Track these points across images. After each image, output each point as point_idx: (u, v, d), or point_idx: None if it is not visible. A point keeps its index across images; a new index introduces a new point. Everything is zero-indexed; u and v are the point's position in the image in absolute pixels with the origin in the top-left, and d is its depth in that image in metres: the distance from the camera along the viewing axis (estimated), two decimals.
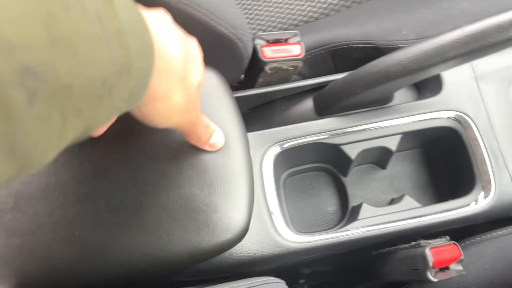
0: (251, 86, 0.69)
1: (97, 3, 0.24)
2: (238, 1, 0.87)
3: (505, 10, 0.46)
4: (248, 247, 0.56)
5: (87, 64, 0.22)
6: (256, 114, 0.70)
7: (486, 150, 0.63)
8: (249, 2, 0.87)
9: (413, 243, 0.59)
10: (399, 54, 0.52)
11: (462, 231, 0.64)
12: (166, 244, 0.43)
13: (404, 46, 0.61)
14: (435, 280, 0.54)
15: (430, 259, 0.54)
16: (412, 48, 0.51)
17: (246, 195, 0.47)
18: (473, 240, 0.62)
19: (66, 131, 0.23)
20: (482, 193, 0.62)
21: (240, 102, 0.56)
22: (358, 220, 0.60)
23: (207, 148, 0.46)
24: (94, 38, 0.23)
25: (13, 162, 0.20)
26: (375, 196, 0.70)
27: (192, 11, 0.46)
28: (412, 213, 0.61)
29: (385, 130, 0.64)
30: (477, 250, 0.61)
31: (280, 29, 0.85)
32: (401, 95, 0.68)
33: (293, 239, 0.58)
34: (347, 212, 0.68)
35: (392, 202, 0.67)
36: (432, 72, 0.54)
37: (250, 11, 0.86)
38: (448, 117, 0.65)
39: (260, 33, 0.79)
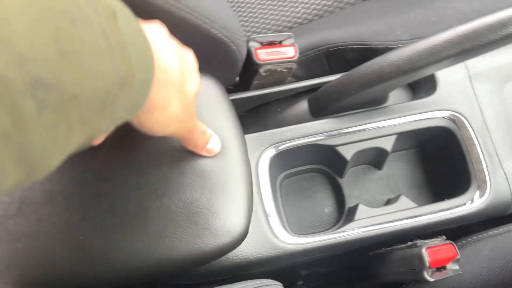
0: (246, 88, 0.69)
1: (101, 18, 0.25)
2: (233, 4, 0.87)
3: (497, 9, 0.46)
4: (245, 250, 0.56)
5: (92, 76, 0.23)
6: (251, 116, 0.70)
7: (481, 149, 0.63)
8: (243, 5, 0.87)
9: (409, 243, 0.59)
10: (393, 54, 0.53)
11: (458, 231, 0.64)
12: (169, 247, 0.44)
13: (398, 47, 0.61)
14: (432, 280, 0.54)
15: (427, 259, 0.54)
16: (406, 48, 0.51)
17: (246, 198, 0.48)
18: (469, 239, 0.62)
19: (71, 138, 0.24)
20: (477, 192, 0.62)
21: (236, 105, 0.56)
22: (354, 221, 0.60)
23: (204, 153, 0.47)
24: (99, 51, 0.24)
25: (21, 168, 0.20)
26: (371, 197, 0.70)
27: (184, 14, 0.46)
28: (408, 213, 0.61)
29: (380, 131, 0.64)
30: (473, 249, 0.61)
31: (275, 31, 0.85)
32: (395, 96, 0.68)
33: (290, 241, 0.58)
34: (344, 213, 0.68)
35: (388, 202, 0.68)
36: (426, 72, 0.54)
37: (244, 14, 0.86)
38: (443, 117, 0.65)
39: (254, 35, 0.79)
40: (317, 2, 0.84)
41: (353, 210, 0.62)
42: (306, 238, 0.59)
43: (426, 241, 0.58)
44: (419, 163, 0.72)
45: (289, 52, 0.63)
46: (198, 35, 0.50)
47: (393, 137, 0.64)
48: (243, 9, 0.87)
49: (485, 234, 0.62)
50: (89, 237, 0.44)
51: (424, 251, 0.55)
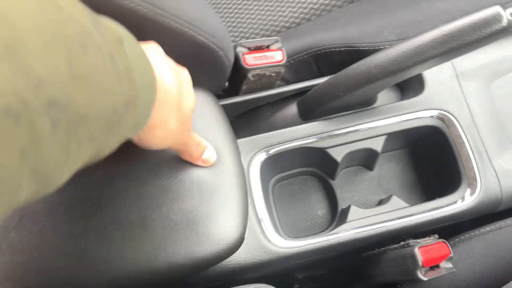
0: (236, 93, 0.69)
1: (109, 44, 0.27)
2: (220, 10, 0.87)
3: (481, 8, 0.47)
4: (238, 255, 0.56)
5: (101, 97, 0.25)
6: (242, 121, 0.71)
7: (470, 147, 0.64)
8: (231, 10, 0.87)
9: (402, 243, 0.60)
10: (379, 56, 0.53)
11: (450, 229, 0.64)
12: (169, 255, 0.45)
13: (385, 48, 0.61)
14: (425, 279, 0.54)
15: (420, 258, 0.54)
16: (392, 49, 0.52)
17: (241, 204, 0.49)
18: (462, 237, 0.63)
19: (81, 154, 0.26)
20: (468, 190, 0.62)
21: (226, 110, 0.57)
22: (347, 222, 0.60)
23: (200, 163, 0.49)
24: (107, 74, 0.26)
25: (35, 182, 0.22)
26: (364, 198, 0.70)
27: (169, 22, 0.46)
28: (400, 213, 0.61)
29: (370, 132, 0.64)
30: (466, 247, 0.61)
31: (263, 35, 0.85)
32: (384, 96, 0.68)
33: (283, 245, 0.58)
34: (337, 215, 0.68)
35: (380, 203, 0.68)
36: (413, 72, 0.54)
37: (232, 19, 0.86)
38: (431, 116, 0.65)
39: (243, 40, 0.79)
40: (304, 5, 0.84)
41: (345, 212, 0.63)
42: (299, 241, 0.59)
43: (418, 240, 0.58)
44: (410, 163, 0.72)
45: (276, 56, 0.63)
46: (184, 42, 0.50)
47: (383, 138, 0.65)
48: (231, 15, 0.87)
49: (477, 232, 0.62)
50: (91, 247, 0.44)
51: (416, 251, 0.55)
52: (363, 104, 0.65)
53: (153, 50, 0.38)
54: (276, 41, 0.64)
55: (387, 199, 0.64)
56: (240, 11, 0.86)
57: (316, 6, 0.84)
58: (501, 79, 0.68)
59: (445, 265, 0.56)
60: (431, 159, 0.69)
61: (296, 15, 0.84)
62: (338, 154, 0.64)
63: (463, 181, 0.63)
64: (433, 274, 0.55)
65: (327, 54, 0.71)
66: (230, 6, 0.87)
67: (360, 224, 0.60)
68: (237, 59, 0.62)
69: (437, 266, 0.56)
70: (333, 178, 0.69)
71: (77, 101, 0.23)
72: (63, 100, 0.22)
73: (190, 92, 0.42)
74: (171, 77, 0.37)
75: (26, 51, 0.20)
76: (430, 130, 0.66)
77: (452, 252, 0.55)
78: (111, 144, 0.30)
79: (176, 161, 0.48)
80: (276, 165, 0.65)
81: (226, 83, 0.70)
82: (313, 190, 0.71)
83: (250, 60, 0.62)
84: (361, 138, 0.64)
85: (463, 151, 0.64)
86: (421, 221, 0.60)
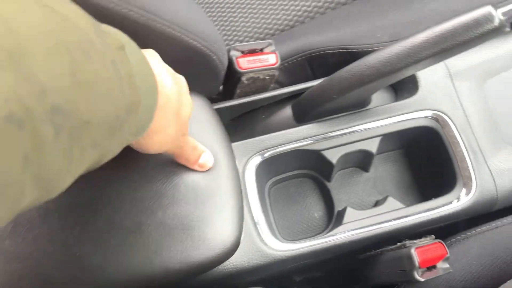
0: (230, 97, 0.69)
1: (112, 51, 0.28)
2: (214, 14, 0.88)
3: (472, 9, 0.47)
4: (234, 259, 0.56)
5: (103, 103, 0.26)
6: (236, 125, 0.70)
7: (465, 147, 0.64)
8: (224, 14, 0.87)
9: (398, 244, 0.59)
10: (372, 57, 0.53)
11: (446, 229, 0.64)
12: (165, 260, 0.45)
13: (378, 49, 0.62)
14: (422, 279, 0.54)
15: (416, 259, 0.54)
16: (384, 51, 0.52)
17: (237, 209, 0.49)
18: (458, 237, 0.63)
19: (83, 160, 0.26)
20: (463, 190, 0.62)
21: (221, 114, 0.57)
22: (343, 224, 0.60)
23: (196, 168, 0.49)
24: (109, 81, 0.26)
25: (38, 188, 0.22)
26: (360, 199, 0.70)
27: (161, 27, 0.46)
28: (396, 214, 0.61)
29: (365, 133, 0.64)
30: (462, 247, 0.61)
31: (257, 38, 0.85)
32: (378, 98, 0.68)
33: (280, 248, 0.58)
34: (333, 217, 0.68)
35: (376, 204, 0.68)
36: (406, 73, 0.54)
37: (226, 23, 0.87)
38: (426, 117, 0.65)
39: (237, 44, 0.79)
40: (298, 8, 0.84)
41: (342, 214, 0.62)
42: (295, 244, 0.59)
43: (415, 241, 0.58)
44: (405, 164, 0.72)
45: (270, 59, 0.63)
46: (177, 47, 0.50)
47: (378, 139, 0.65)
48: (225, 18, 0.87)
49: (474, 231, 0.62)
50: (86, 254, 0.44)
51: (413, 251, 0.55)
52: (358, 106, 0.65)
53: (152, 56, 0.39)
54: (270, 44, 0.64)
55: (383, 200, 0.64)
56: (234, 14, 0.86)
57: (309, 9, 0.84)
58: (494, 79, 0.68)
59: (442, 265, 0.56)
60: (426, 160, 0.69)
61: (289, 17, 0.85)
62: (333, 156, 0.64)
63: (458, 181, 0.63)
64: (430, 275, 0.55)
65: (321, 56, 0.71)
66: (223, 9, 0.87)
67: (357, 226, 0.60)
68: (230, 62, 0.62)
69: (434, 267, 0.56)
70: (329, 180, 0.69)
71: (80, 107, 0.23)
72: (66, 107, 0.22)
73: (187, 98, 0.42)
74: (171, 84, 0.38)
75: (29, 59, 0.20)
76: (425, 131, 0.66)
77: (448, 252, 0.55)
78: (113, 150, 0.31)
79: (170, 166, 0.48)
80: (271, 168, 0.65)
81: (221, 87, 0.70)
82: (309, 193, 0.71)
83: (244, 63, 0.62)
84: (356, 139, 0.64)
85: (458, 151, 0.64)
86: (417, 222, 0.60)
